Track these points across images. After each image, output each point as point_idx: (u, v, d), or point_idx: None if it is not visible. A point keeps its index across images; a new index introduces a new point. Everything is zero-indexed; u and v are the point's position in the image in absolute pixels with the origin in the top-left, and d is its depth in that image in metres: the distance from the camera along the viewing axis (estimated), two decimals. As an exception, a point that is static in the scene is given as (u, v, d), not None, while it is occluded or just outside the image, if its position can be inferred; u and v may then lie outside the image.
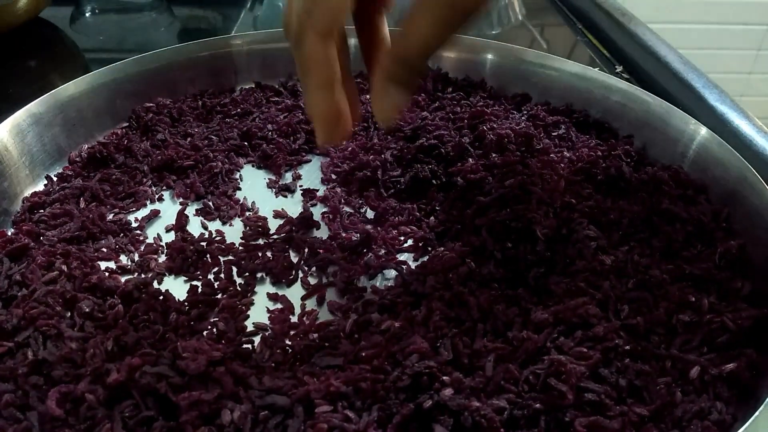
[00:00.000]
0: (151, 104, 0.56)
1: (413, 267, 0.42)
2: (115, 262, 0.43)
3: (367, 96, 0.59)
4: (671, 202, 0.44)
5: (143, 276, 0.42)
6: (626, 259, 0.39)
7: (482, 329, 0.36)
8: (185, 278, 0.42)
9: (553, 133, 0.53)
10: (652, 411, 0.32)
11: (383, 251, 0.43)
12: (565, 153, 0.51)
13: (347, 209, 0.47)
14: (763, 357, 0.34)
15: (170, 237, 0.45)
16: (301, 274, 0.42)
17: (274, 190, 0.50)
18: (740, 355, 0.34)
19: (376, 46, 0.39)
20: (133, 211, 0.47)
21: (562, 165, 0.48)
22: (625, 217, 0.43)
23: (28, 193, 0.48)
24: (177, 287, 0.41)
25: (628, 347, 0.34)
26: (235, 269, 0.42)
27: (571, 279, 0.38)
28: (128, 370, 0.32)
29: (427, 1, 0.34)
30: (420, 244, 0.44)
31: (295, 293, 0.41)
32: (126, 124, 0.55)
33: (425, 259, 0.43)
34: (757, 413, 0.30)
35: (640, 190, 0.46)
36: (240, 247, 0.44)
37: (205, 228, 0.46)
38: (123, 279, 0.41)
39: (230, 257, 0.43)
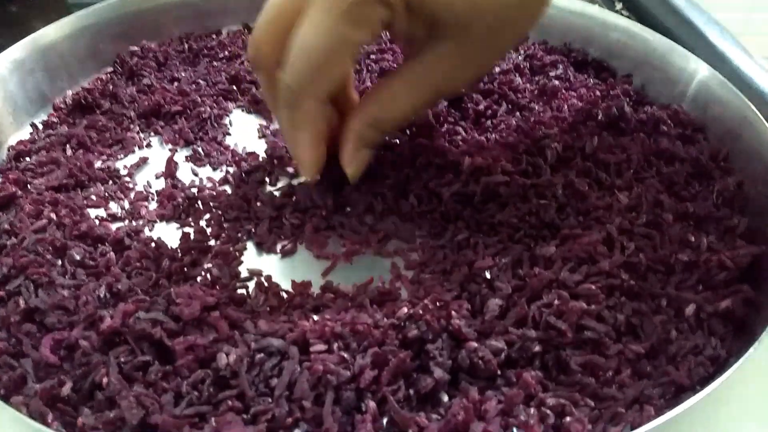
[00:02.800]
0: (136, 48, 0.54)
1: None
2: (105, 210, 0.42)
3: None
4: (670, 141, 0.44)
5: (134, 223, 0.41)
6: (641, 197, 0.39)
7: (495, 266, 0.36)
8: (177, 225, 0.41)
9: (551, 74, 0.52)
10: (647, 348, 0.32)
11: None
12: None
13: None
14: (759, 293, 0.34)
15: (160, 184, 0.44)
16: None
17: (265, 135, 0.49)
18: (736, 291, 0.34)
19: (349, 103, 0.41)
20: (121, 158, 0.46)
21: (567, 105, 0.48)
22: (632, 155, 0.42)
23: (13, 141, 0.47)
24: (169, 234, 0.40)
25: (626, 285, 0.34)
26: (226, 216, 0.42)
27: (585, 217, 0.38)
28: (122, 317, 0.32)
29: (414, 80, 0.37)
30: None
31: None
32: (110, 69, 0.54)
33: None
34: (751, 349, 0.30)
35: (639, 129, 0.45)
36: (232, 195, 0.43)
37: (196, 174, 0.45)
38: (114, 226, 0.40)
39: (222, 203, 0.43)
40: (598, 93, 0.49)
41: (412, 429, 0.29)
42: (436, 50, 0.36)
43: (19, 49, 0.49)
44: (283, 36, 0.35)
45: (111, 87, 0.51)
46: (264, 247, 0.40)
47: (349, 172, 0.39)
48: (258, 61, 0.37)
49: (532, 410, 0.29)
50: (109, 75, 0.53)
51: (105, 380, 0.30)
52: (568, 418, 0.29)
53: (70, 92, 0.50)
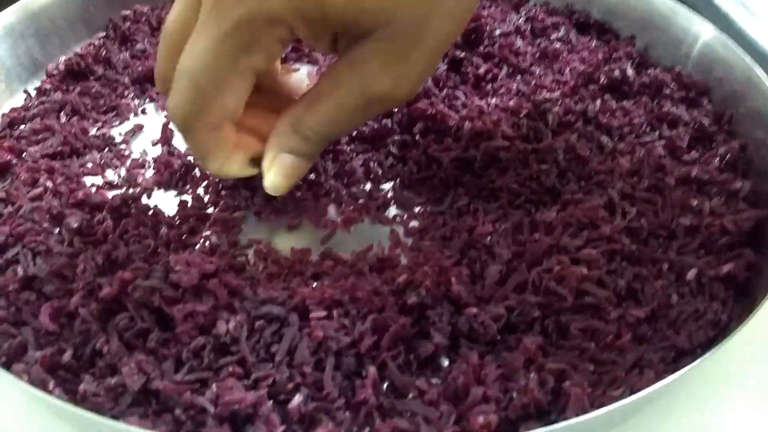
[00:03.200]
0: (128, 12, 0.53)
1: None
2: (102, 178, 0.42)
3: None
4: (673, 104, 0.43)
5: (131, 191, 0.41)
6: (642, 161, 0.39)
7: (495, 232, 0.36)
8: (174, 192, 0.41)
9: (552, 36, 0.51)
10: (647, 313, 0.32)
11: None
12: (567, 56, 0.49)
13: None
14: (760, 257, 0.34)
15: (156, 151, 0.44)
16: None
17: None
18: (738, 256, 0.34)
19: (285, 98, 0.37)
20: (116, 125, 0.46)
21: (569, 68, 0.47)
22: (635, 119, 0.42)
23: (6, 108, 0.46)
24: (166, 202, 0.40)
25: (627, 250, 0.34)
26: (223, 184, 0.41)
27: (586, 181, 0.38)
28: (120, 284, 0.31)
29: (338, 80, 0.32)
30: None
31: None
32: (103, 34, 0.52)
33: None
34: (754, 314, 0.30)
35: (642, 93, 0.44)
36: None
37: (192, 141, 0.45)
38: (110, 194, 0.40)
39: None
40: (600, 56, 0.48)
41: (412, 393, 0.29)
42: (359, 48, 0.32)
43: (9, 14, 0.48)
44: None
45: (104, 52, 0.50)
46: (262, 214, 0.40)
47: (265, 181, 0.34)
48: (165, 91, 0.33)
49: (531, 375, 0.29)
50: (101, 40, 0.52)
51: (105, 347, 0.30)
52: (567, 383, 0.29)
53: (62, 58, 0.49)
